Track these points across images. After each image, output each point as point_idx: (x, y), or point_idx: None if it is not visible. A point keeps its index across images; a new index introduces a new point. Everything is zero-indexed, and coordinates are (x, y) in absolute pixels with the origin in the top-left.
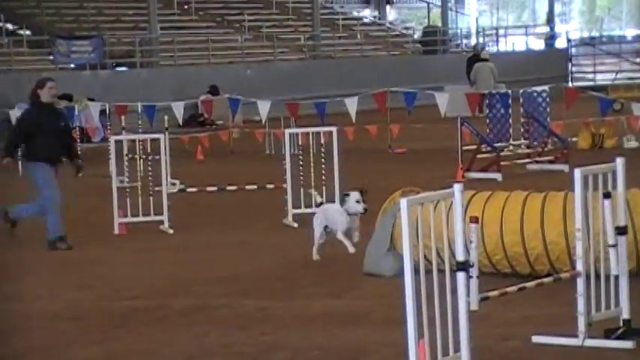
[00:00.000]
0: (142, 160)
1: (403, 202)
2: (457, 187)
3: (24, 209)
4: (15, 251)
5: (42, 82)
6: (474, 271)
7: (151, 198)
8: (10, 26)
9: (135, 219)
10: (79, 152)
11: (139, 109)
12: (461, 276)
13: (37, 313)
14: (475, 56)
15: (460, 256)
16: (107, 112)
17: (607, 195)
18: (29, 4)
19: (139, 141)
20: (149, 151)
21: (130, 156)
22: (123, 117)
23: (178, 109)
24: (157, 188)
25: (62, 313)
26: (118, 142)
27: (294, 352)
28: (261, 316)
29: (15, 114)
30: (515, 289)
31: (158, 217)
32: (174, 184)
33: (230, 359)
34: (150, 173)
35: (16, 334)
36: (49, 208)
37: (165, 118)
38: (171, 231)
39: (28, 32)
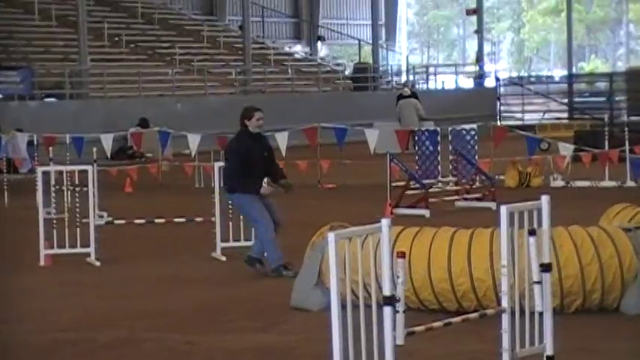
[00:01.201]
0: (69, 192)
1: (331, 236)
2: (384, 222)
3: (271, 252)
4: None
5: (249, 112)
6: (400, 306)
7: (78, 230)
8: None
9: (61, 251)
10: (284, 173)
11: (68, 141)
12: (387, 310)
13: None
14: (402, 94)
15: (387, 291)
16: (35, 143)
17: (532, 232)
18: None
19: (66, 172)
20: (77, 182)
21: (58, 187)
22: (51, 148)
23: (107, 141)
24: (84, 220)
25: None
26: (46, 174)
27: None
28: (188, 350)
29: None
30: (441, 325)
31: (85, 250)
32: (101, 216)
33: None
34: (77, 205)
35: None
36: (266, 238)
37: (94, 149)
38: (98, 263)
39: None
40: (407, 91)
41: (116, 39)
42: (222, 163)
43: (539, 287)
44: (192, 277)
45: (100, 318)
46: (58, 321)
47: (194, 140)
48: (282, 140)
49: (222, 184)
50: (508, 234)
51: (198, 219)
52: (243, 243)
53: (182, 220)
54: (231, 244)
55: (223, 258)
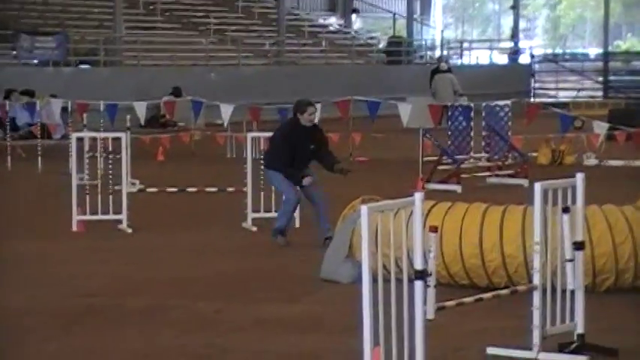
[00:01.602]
0: (102, 159)
1: (364, 209)
2: (418, 196)
3: (282, 217)
4: None
5: (303, 106)
6: (431, 280)
7: (111, 197)
8: None
9: (93, 217)
10: (335, 158)
11: (101, 108)
12: (418, 284)
13: None
14: (437, 68)
15: (418, 265)
16: (69, 109)
17: (566, 210)
18: None
19: (100, 139)
20: (110, 149)
21: (91, 154)
22: (84, 115)
23: (140, 109)
24: (116, 187)
25: (15, 309)
26: (79, 140)
27: (248, 355)
28: (217, 318)
29: None
30: (471, 300)
31: (117, 216)
32: (134, 184)
33: None
34: (110, 172)
35: None
36: (285, 205)
37: (127, 117)
38: (129, 230)
39: None
40: (444, 65)
41: (151, 7)
42: (254, 134)
43: (571, 265)
44: (222, 247)
45: (129, 284)
46: (88, 286)
47: (227, 110)
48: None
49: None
50: (542, 211)
51: (230, 189)
52: (274, 214)
53: (213, 189)
54: (262, 214)
55: (254, 228)
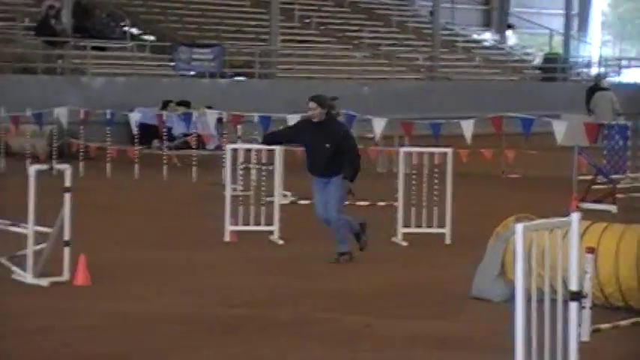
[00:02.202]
0: (255, 170)
1: (519, 228)
2: (575, 216)
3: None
4: (123, 252)
5: (307, 101)
6: (587, 302)
7: (263, 208)
8: (134, 31)
9: (246, 228)
10: (350, 170)
11: (255, 119)
12: (573, 306)
13: (141, 315)
14: (595, 86)
15: (574, 286)
16: (223, 120)
17: None
18: (154, 10)
19: (254, 151)
20: (263, 161)
21: (244, 165)
22: (239, 126)
23: (294, 121)
24: (269, 198)
25: (167, 317)
26: (234, 151)
27: None
28: (365, 332)
29: (134, 117)
30: (628, 324)
31: (269, 228)
32: (286, 196)
33: None
34: (263, 183)
35: (119, 334)
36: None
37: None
38: (280, 242)
39: (151, 38)
40: (604, 83)
41: (306, 21)
42: (406, 149)
43: None
44: (372, 260)
45: (279, 296)
46: (240, 296)
47: (379, 124)
48: (467, 127)
49: None
50: None
51: (381, 203)
52: (425, 229)
53: (365, 203)
54: (413, 229)
55: (404, 243)
